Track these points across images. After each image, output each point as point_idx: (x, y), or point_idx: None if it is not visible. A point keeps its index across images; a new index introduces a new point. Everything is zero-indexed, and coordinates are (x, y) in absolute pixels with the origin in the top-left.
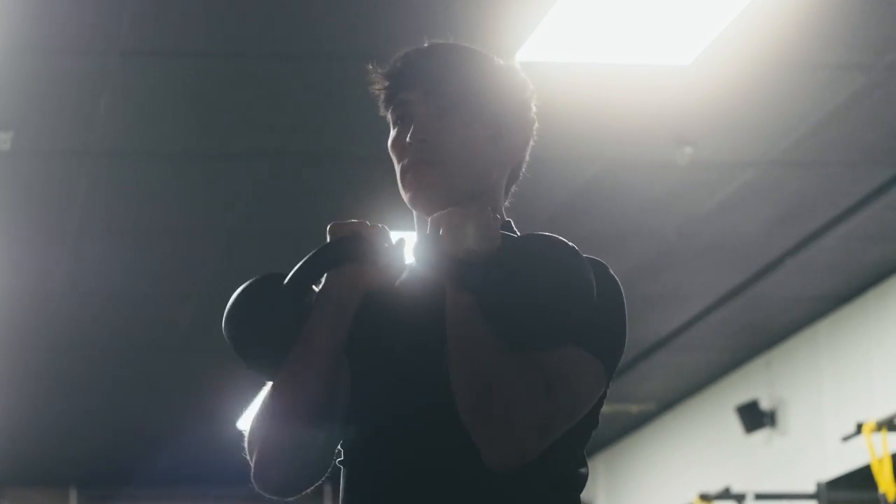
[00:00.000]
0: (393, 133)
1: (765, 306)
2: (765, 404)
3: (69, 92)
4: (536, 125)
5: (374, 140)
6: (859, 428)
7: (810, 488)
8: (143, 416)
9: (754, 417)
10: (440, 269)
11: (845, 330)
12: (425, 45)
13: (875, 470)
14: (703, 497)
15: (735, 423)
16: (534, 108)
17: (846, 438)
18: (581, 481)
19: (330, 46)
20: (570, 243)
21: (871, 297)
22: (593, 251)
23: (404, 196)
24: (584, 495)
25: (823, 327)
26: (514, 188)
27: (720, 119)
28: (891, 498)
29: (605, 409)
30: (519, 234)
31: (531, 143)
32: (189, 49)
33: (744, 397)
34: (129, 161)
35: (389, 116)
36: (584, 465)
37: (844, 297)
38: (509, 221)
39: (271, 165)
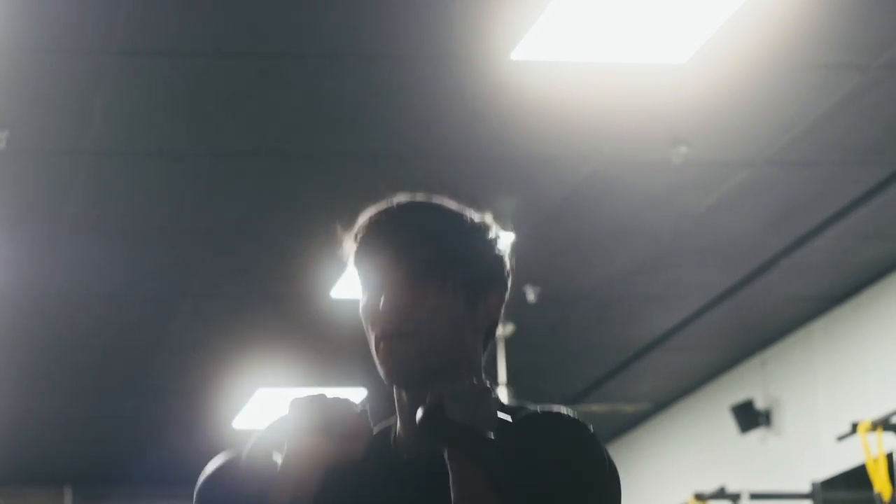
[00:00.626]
0: (363, 298)
1: (759, 306)
2: (760, 404)
3: (64, 91)
4: (511, 281)
5: (370, 139)
6: (854, 427)
7: (805, 488)
8: (139, 415)
9: (749, 417)
10: (446, 440)
11: (840, 329)
12: (394, 204)
13: (870, 469)
14: (699, 497)
15: (730, 423)
16: (509, 264)
17: (841, 438)
18: None
19: (327, 46)
20: (582, 421)
21: (866, 296)
22: (588, 250)
23: (380, 370)
24: None
25: (818, 327)
26: (490, 346)
27: (715, 118)
28: (886, 497)
29: (600, 408)
30: (502, 404)
31: (506, 300)
32: (184, 48)
33: (739, 397)
34: (124, 160)
35: (359, 277)
36: None
37: (839, 297)
38: (491, 383)
39: (266, 164)
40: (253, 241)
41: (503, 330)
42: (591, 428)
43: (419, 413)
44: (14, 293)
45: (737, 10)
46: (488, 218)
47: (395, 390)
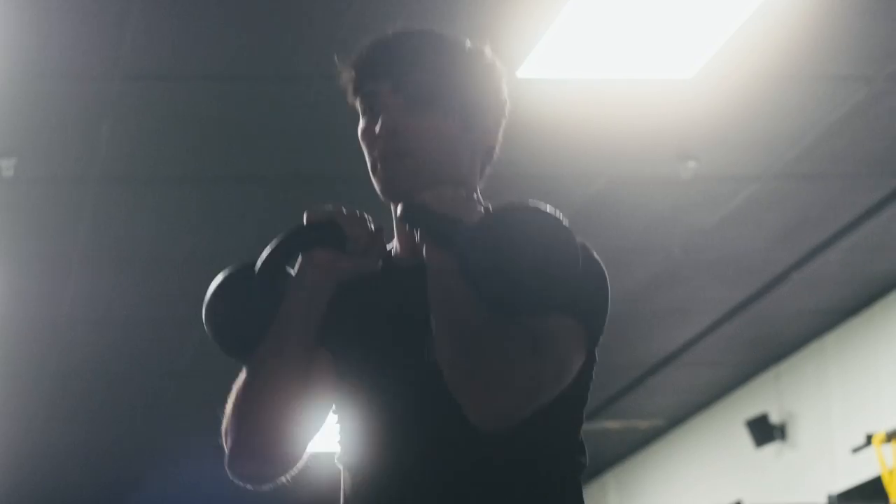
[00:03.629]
0: (362, 123)
1: (772, 320)
2: (774, 418)
3: (71, 117)
4: (508, 106)
5: None
6: (869, 439)
7: (822, 501)
8: (152, 444)
9: (764, 431)
10: (423, 230)
11: (853, 342)
12: (392, 33)
13: (886, 481)
14: None
15: (745, 438)
16: (505, 90)
17: (856, 450)
18: (579, 468)
19: (331, 68)
20: (556, 213)
21: (878, 308)
22: None
23: (377, 187)
24: None
25: (831, 340)
26: (488, 170)
27: (723, 133)
28: None
29: (614, 425)
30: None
31: (503, 123)
32: (191, 73)
33: (753, 411)
34: (132, 186)
35: (358, 105)
36: (583, 452)
37: (851, 310)
38: (487, 206)
39: (277, 188)
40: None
41: None
42: (566, 222)
43: (401, 207)
44: (23, 321)
45: (742, 23)
46: (486, 47)
47: (392, 207)
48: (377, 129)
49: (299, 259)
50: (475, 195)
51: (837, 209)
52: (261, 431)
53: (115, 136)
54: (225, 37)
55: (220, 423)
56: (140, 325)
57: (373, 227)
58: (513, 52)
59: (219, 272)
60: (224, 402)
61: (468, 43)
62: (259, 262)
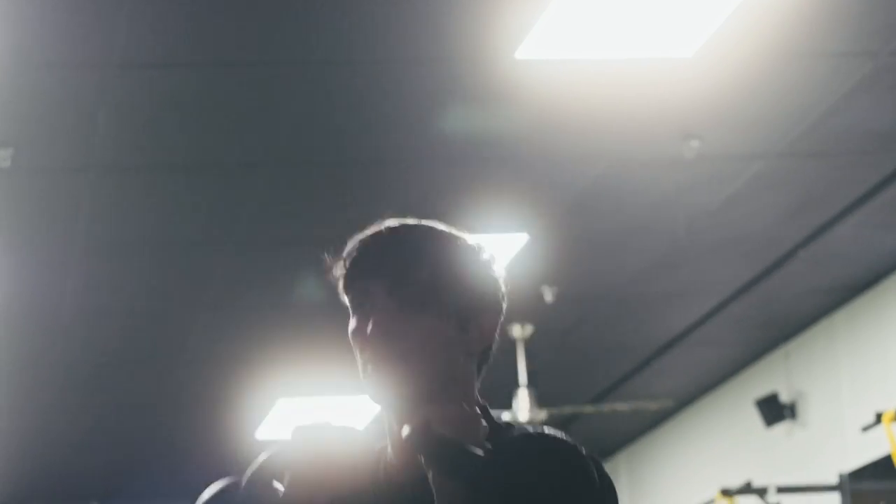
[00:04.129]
0: (353, 322)
1: (780, 299)
2: (784, 397)
3: (67, 107)
4: (506, 304)
5: (377, 144)
6: (879, 417)
7: (833, 480)
8: (161, 429)
9: (774, 410)
10: (429, 454)
11: (862, 320)
12: (386, 227)
13: None
14: (725, 492)
15: (755, 417)
16: (503, 287)
17: (866, 428)
18: None
19: (329, 53)
20: (570, 441)
21: (887, 285)
22: (603, 250)
23: (367, 391)
24: None
25: (840, 318)
26: (484, 371)
27: (726, 111)
28: None
29: (624, 407)
30: (498, 424)
31: (501, 322)
32: (186, 60)
33: (763, 391)
34: (131, 175)
35: (348, 301)
36: None
37: (860, 287)
38: (485, 405)
39: (274, 174)
40: (267, 251)
41: (522, 331)
42: (583, 449)
43: (405, 429)
44: (26, 312)
45: (742, 0)
46: (481, 241)
47: (384, 415)
48: (368, 329)
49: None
50: (475, 407)
51: (843, 186)
52: None
53: (112, 124)
54: (220, 24)
55: (226, 409)
56: (144, 312)
57: (362, 438)
58: (510, 34)
59: (219, 258)
60: (229, 385)
61: (466, 237)
62: (246, 478)
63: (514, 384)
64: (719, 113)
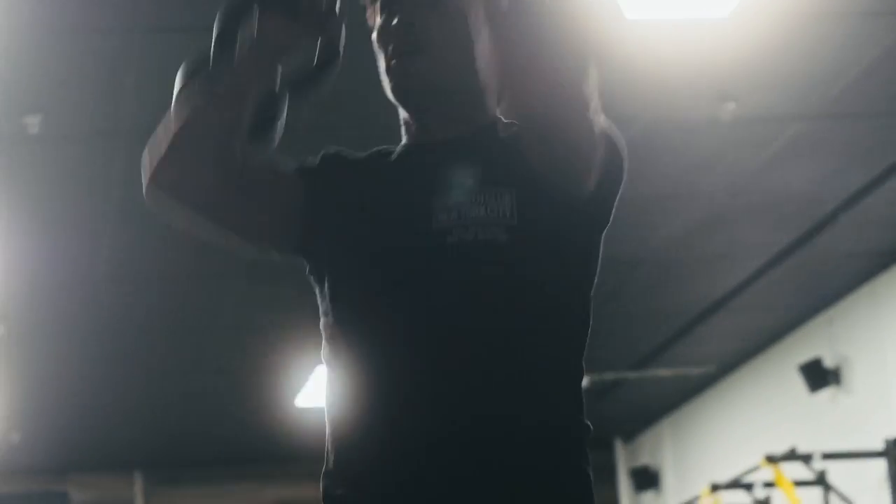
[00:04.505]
0: (379, 21)
1: (822, 262)
2: (828, 362)
3: (95, 72)
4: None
5: None
6: None
7: (879, 446)
8: (203, 396)
9: (818, 376)
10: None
11: None
12: None
13: None
14: (770, 459)
15: (799, 383)
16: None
17: None
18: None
19: (360, 17)
20: None
21: None
22: (642, 213)
23: (387, 87)
24: (651, 460)
25: (883, 282)
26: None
27: (762, 72)
28: None
29: (666, 373)
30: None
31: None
32: (211, 23)
33: (806, 356)
34: None
35: (376, 8)
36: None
37: None
38: (500, 119)
39: (304, 136)
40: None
41: None
42: None
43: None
44: (62, 281)
45: None
46: None
47: (401, 114)
48: (394, 23)
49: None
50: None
51: (883, 147)
52: (195, 136)
53: (141, 89)
54: None
55: (265, 376)
56: (181, 278)
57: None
58: None
59: None
60: (268, 352)
61: None
62: (212, 47)
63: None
64: (755, 74)
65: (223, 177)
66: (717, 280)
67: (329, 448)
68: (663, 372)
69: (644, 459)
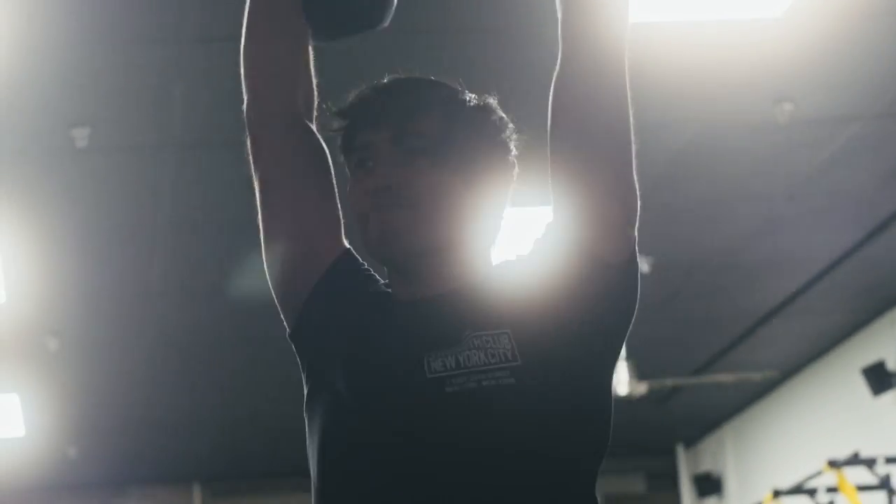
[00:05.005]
0: (352, 180)
1: (883, 264)
2: (891, 365)
3: (142, 83)
4: (517, 170)
5: None
6: None
7: None
8: (262, 407)
9: (881, 379)
10: None
11: None
12: (391, 78)
13: None
14: (832, 464)
15: (862, 386)
16: (514, 150)
17: None
18: None
19: (421, 21)
20: None
21: None
22: (699, 218)
23: (368, 246)
24: (713, 466)
25: None
26: (499, 238)
27: (818, 72)
28: None
29: (728, 378)
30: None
31: (512, 188)
32: None
33: (869, 359)
34: (210, 149)
35: (347, 160)
36: None
37: None
38: (494, 268)
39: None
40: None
41: None
42: None
43: None
44: (113, 292)
45: None
46: (492, 100)
47: (387, 273)
48: (371, 183)
49: None
50: (486, 258)
51: None
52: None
53: (189, 99)
54: None
55: None
56: (236, 290)
57: None
58: None
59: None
60: None
61: (474, 95)
62: None
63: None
64: (812, 74)
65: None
66: (778, 283)
67: None
68: (724, 377)
69: (706, 465)
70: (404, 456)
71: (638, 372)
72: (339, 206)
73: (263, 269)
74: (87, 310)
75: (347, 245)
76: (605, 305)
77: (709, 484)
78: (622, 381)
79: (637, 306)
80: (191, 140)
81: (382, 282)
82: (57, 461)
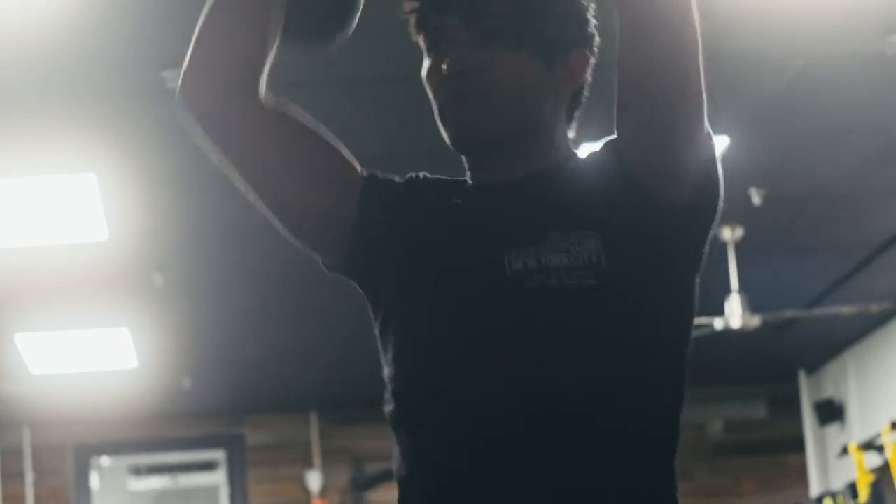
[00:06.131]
0: (427, 63)
1: None
2: None
3: None
4: (598, 40)
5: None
6: None
7: None
8: (353, 336)
9: None
10: None
11: None
12: None
13: None
14: None
15: None
16: (593, 21)
17: None
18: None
19: None
20: None
21: None
22: (810, 149)
23: (445, 137)
24: (835, 393)
25: None
26: (577, 115)
27: None
28: None
29: (846, 310)
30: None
31: (592, 62)
32: None
33: None
34: (317, 88)
35: (421, 42)
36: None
37: None
38: (575, 154)
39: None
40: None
41: (732, 234)
42: None
43: None
44: (220, 228)
45: None
46: None
47: (464, 162)
48: (444, 68)
49: None
50: (560, 147)
51: None
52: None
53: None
54: None
55: None
56: None
57: None
58: None
59: (430, 170)
60: None
61: None
62: None
63: (726, 289)
64: None
65: (249, 97)
66: (893, 213)
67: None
68: (838, 310)
69: (828, 392)
70: (481, 351)
71: (751, 304)
72: (329, 144)
73: None
74: (191, 246)
75: (364, 173)
76: (686, 216)
77: (830, 411)
78: (735, 313)
79: (719, 211)
80: (287, 81)
81: (451, 179)
82: (171, 392)
